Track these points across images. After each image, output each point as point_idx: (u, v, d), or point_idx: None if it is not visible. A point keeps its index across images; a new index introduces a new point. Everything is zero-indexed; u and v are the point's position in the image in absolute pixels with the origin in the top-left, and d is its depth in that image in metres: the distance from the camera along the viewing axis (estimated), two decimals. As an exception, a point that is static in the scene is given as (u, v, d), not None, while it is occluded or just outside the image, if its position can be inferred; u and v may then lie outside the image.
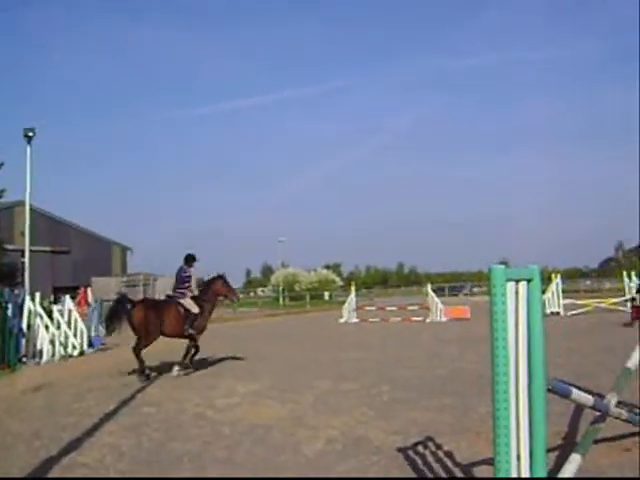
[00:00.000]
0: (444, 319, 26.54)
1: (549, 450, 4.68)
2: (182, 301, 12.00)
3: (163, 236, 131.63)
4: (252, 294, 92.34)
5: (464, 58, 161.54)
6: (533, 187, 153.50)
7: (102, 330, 17.71)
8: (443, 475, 5.08)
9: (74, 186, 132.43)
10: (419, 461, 5.52)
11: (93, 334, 17.18)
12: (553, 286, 27.72)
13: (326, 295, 68.62)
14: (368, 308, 32.60)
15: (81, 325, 16.63)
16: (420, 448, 5.94)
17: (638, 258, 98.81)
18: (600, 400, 5.15)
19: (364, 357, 13.53)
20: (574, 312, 26.65)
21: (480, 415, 7.09)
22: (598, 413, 4.99)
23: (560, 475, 4.14)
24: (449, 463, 5.42)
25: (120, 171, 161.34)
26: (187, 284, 12.20)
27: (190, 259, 12.43)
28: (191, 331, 11.92)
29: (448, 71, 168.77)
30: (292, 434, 6.72)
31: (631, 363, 5.96)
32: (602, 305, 27.58)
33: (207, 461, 5.80)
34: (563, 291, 28.57)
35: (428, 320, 26.39)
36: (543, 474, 3.69)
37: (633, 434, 5.91)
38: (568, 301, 28.22)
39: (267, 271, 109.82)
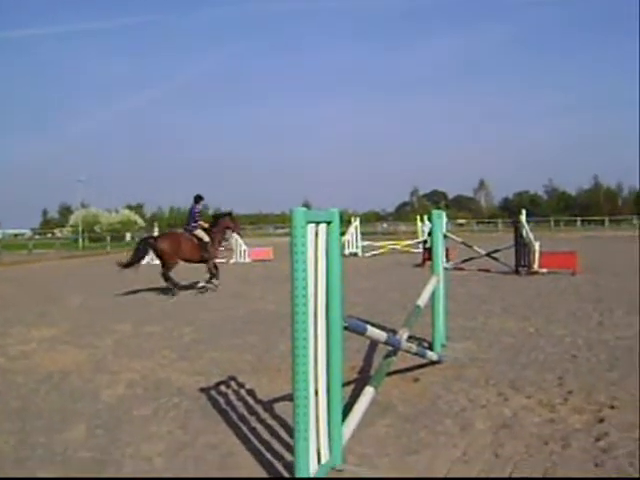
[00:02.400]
0: (248, 260, 26.85)
1: (345, 384, 4.91)
2: (195, 232, 14.62)
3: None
4: (49, 235, 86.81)
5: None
6: (336, 134, 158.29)
7: None
8: (245, 412, 5.16)
9: None
10: (221, 400, 5.56)
11: None
12: (352, 228, 28.89)
13: (128, 236, 66.20)
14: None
15: None
16: (222, 387, 6.00)
17: (431, 203, 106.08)
18: (393, 336, 5.48)
19: (165, 299, 13.34)
20: (371, 253, 28.08)
21: (281, 353, 7.28)
22: (391, 348, 5.31)
23: (356, 405, 4.35)
24: (251, 401, 5.52)
25: None
26: (197, 218, 14.79)
27: (198, 198, 14.92)
28: (206, 255, 14.60)
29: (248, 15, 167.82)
30: (91, 380, 6.49)
31: (421, 301, 6.42)
32: (397, 247, 29.22)
33: (-2, 413, 5.46)
34: (361, 233, 29.84)
35: (232, 261, 26.48)
36: (339, 407, 3.87)
37: (422, 366, 6.37)
38: (366, 243, 29.57)
39: (65, 211, 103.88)
